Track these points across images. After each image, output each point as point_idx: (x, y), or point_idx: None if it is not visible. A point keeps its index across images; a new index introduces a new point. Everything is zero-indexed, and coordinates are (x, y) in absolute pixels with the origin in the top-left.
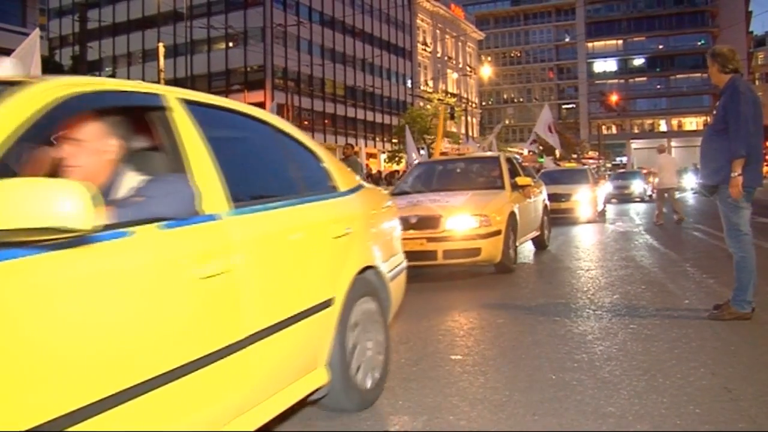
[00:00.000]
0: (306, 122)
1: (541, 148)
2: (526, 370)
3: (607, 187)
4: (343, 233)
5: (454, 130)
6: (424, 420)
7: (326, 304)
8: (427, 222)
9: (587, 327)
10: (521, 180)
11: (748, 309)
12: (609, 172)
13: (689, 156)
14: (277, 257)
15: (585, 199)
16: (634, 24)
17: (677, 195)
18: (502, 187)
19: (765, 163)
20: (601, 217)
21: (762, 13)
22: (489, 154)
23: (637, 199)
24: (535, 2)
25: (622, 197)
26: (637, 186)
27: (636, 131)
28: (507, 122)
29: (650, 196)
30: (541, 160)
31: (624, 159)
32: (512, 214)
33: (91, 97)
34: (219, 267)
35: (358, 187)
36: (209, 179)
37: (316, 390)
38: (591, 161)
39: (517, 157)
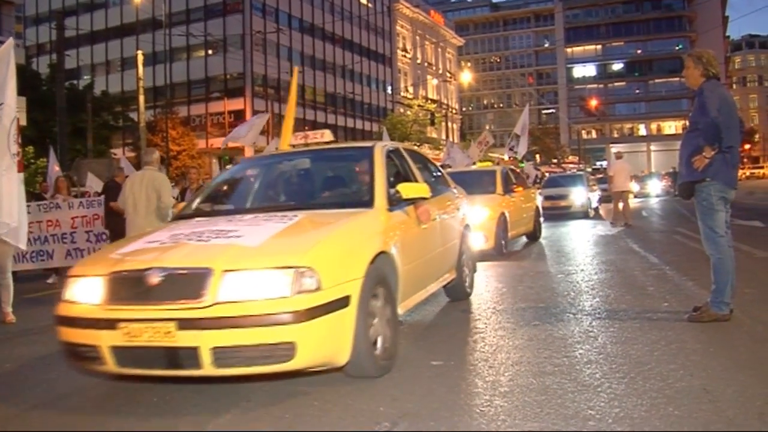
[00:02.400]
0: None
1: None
2: (507, 374)
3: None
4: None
5: (434, 135)
6: (405, 426)
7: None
8: (180, 285)
9: (567, 331)
10: (412, 189)
11: (726, 311)
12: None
13: (668, 160)
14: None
15: (580, 198)
16: (612, 29)
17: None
18: (369, 204)
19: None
20: (595, 214)
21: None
22: (363, 144)
23: (579, 215)
24: (514, 8)
25: (556, 212)
26: (577, 196)
27: (616, 136)
28: (487, 127)
29: (596, 209)
30: (522, 165)
31: (604, 163)
32: (382, 261)
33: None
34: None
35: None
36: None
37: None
38: (571, 166)
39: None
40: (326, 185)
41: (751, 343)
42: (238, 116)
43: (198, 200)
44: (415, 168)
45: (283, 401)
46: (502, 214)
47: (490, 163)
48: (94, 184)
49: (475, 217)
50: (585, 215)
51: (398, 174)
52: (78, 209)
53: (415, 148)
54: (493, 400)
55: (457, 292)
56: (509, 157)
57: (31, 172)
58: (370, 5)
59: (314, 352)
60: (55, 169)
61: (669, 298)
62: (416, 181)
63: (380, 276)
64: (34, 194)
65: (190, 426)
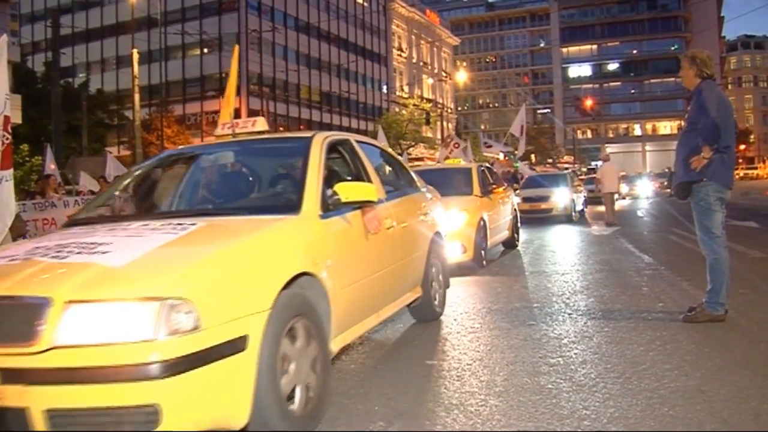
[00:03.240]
0: (282, 128)
1: (516, 152)
2: (502, 374)
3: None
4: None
5: (430, 135)
6: (400, 425)
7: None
8: (8, 320)
9: (562, 330)
10: (354, 189)
11: (721, 311)
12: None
13: (664, 160)
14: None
15: (563, 200)
16: (608, 29)
17: (616, 197)
18: (295, 209)
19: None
20: (580, 218)
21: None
22: (300, 134)
23: (561, 218)
24: (510, 8)
25: (536, 216)
26: (560, 197)
27: (611, 135)
28: (483, 127)
29: (581, 212)
30: (517, 164)
31: (599, 163)
32: (304, 284)
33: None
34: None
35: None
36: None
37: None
38: (566, 165)
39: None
40: (246, 185)
41: (746, 343)
42: (234, 115)
43: (100, 200)
44: (370, 165)
45: None
46: (482, 219)
47: (459, 160)
48: (87, 182)
49: (449, 223)
50: (568, 219)
51: (348, 172)
52: (74, 208)
53: (374, 141)
54: (488, 400)
55: (424, 313)
56: (504, 157)
57: (26, 170)
58: (365, 4)
59: (190, 416)
60: (51, 167)
61: (664, 298)
62: (369, 180)
63: (300, 305)
64: (28, 192)
65: None
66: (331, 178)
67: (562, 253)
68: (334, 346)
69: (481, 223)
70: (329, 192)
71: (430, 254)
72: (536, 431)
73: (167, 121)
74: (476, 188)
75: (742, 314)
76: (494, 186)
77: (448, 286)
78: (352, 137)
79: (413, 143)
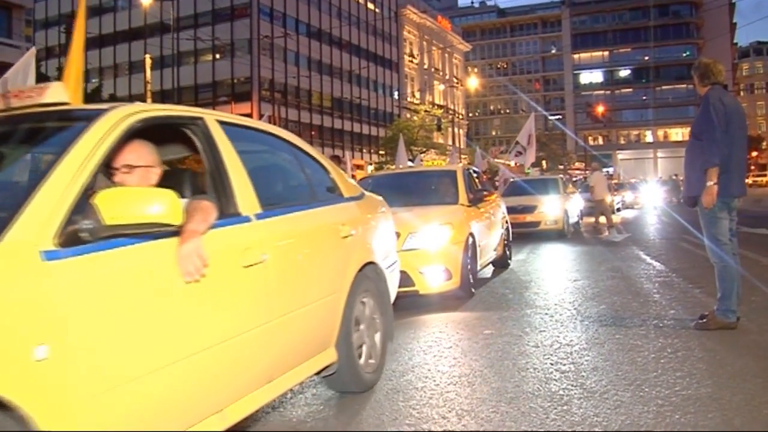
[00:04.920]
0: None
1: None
2: (513, 381)
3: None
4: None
5: (441, 141)
6: (409, 429)
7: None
8: None
9: (574, 337)
10: (123, 202)
11: (733, 318)
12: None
13: (675, 167)
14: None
15: (553, 210)
16: (619, 36)
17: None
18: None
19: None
20: (573, 231)
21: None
22: (91, 107)
23: (551, 234)
24: (522, 14)
25: (519, 230)
26: (550, 207)
27: (622, 142)
28: (494, 133)
29: (576, 224)
30: (528, 171)
31: (611, 170)
32: None
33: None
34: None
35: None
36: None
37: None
38: (577, 172)
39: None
40: None
41: (758, 350)
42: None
43: None
44: (235, 162)
45: (286, 401)
46: (470, 235)
47: (443, 162)
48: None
49: (429, 242)
50: (560, 235)
51: (191, 177)
52: None
53: (259, 123)
54: (499, 407)
55: (345, 382)
56: (515, 164)
57: None
58: (377, 10)
59: None
60: None
61: (675, 306)
62: (225, 185)
63: None
64: None
65: None
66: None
67: (566, 273)
68: None
69: (470, 239)
70: (89, 209)
71: (353, 297)
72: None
73: None
74: (463, 196)
75: (754, 321)
76: (484, 193)
77: (391, 338)
78: (211, 115)
79: (424, 149)
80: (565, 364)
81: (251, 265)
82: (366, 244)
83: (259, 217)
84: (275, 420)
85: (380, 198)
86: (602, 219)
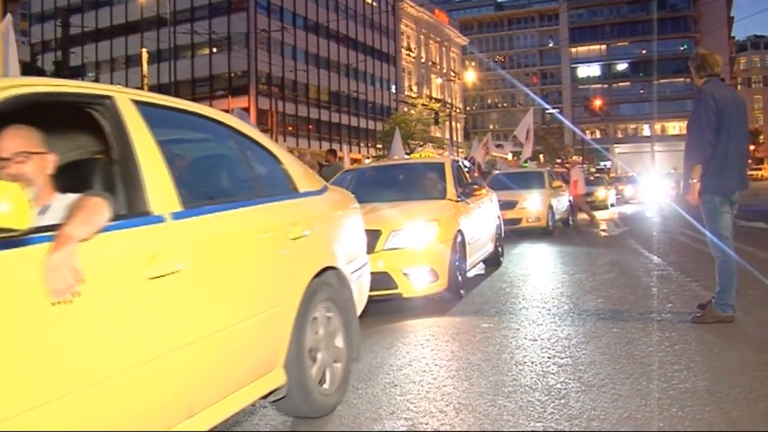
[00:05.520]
0: (290, 128)
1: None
2: (511, 374)
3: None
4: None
5: (438, 135)
6: (409, 425)
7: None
8: None
9: (571, 331)
10: None
11: (730, 312)
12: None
13: (673, 160)
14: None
15: (535, 206)
16: (617, 29)
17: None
18: None
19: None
20: (558, 228)
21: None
22: None
23: (535, 230)
24: (519, 8)
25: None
26: (533, 203)
27: (620, 136)
28: (491, 127)
29: (567, 222)
30: (525, 165)
31: (608, 163)
32: None
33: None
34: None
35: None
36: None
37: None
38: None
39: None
40: None
41: (755, 344)
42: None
43: None
44: (156, 147)
45: None
46: (459, 232)
47: (431, 154)
48: None
49: (413, 239)
50: (544, 232)
51: (100, 170)
52: None
53: (186, 103)
54: (496, 400)
55: (298, 406)
56: (513, 157)
57: None
58: (374, 4)
59: None
60: None
61: (673, 299)
62: (133, 179)
63: None
64: None
65: None
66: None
67: (562, 272)
68: None
69: (458, 237)
70: None
71: (306, 308)
72: (545, 431)
73: None
74: (451, 190)
75: (751, 315)
76: (475, 187)
77: (356, 358)
78: (126, 93)
79: (422, 143)
80: (562, 358)
81: (159, 277)
82: (325, 246)
83: (177, 216)
84: (270, 416)
85: (347, 192)
86: (583, 215)
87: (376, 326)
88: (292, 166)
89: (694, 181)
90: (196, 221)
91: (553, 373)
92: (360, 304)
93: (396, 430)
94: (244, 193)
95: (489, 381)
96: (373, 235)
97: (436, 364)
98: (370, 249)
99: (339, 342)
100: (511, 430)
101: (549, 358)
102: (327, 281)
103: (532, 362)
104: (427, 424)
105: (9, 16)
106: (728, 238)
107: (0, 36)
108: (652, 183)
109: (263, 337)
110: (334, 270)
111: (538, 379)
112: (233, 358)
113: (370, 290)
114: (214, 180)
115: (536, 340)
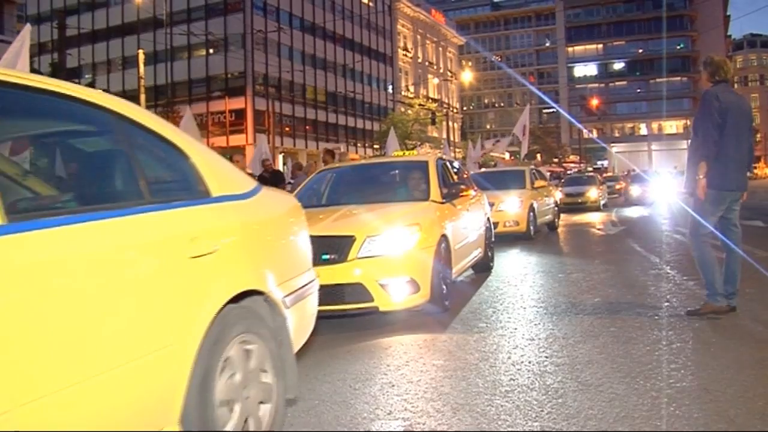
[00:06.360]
0: (287, 128)
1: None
2: (508, 374)
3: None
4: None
5: (435, 135)
6: (406, 425)
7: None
8: None
9: (568, 330)
10: None
11: (723, 303)
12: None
13: (670, 159)
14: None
15: (513, 209)
16: (613, 28)
17: None
18: None
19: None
20: (542, 233)
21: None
22: None
23: (515, 235)
24: (515, 7)
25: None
26: (510, 205)
27: (617, 135)
28: (488, 126)
29: (552, 224)
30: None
31: (605, 163)
32: None
33: None
34: None
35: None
36: None
37: None
38: (572, 165)
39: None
40: None
41: (752, 342)
42: (239, 115)
43: None
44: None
45: None
46: (443, 237)
47: (414, 152)
48: None
49: (391, 246)
50: (525, 236)
51: None
52: None
53: (69, 85)
54: (494, 400)
55: None
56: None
57: None
58: (371, 4)
59: None
60: None
61: (669, 298)
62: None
63: None
64: None
65: None
66: None
67: (567, 253)
68: None
69: (442, 243)
70: None
71: (213, 345)
72: (542, 431)
73: (173, 122)
74: (435, 191)
75: (748, 313)
76: (461, 187)
77: (293, 400)
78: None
79: (419, 143)
80: (560, 357)
81: None
82: (245, 265)
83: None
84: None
85: (289, 195)
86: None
87: (368, 339)
88: (206, 163)
89: (701, 177)
90: (30, 238)
91: (550, 372)
92: (302, 332)
93: (394, 430)
94: (121, 198)
95: (486, 381)
96: (346, 242)
97: (433, 364)
98: (343, 257)
99: (267, 377)
100: (509, 429)
101: (546, 357)
102: (250, 309)
103: (530, 362)
104: (424, 424)
105: (28, 25)
106: (705, 234)
107: (20, 43)
108: (663, 182)
109: (141, 387)
110: (260, 295)
111: (536, 379)
112: (90, 417)
113: (344, 304)
114: (75, 183)
115: (533, 339)
